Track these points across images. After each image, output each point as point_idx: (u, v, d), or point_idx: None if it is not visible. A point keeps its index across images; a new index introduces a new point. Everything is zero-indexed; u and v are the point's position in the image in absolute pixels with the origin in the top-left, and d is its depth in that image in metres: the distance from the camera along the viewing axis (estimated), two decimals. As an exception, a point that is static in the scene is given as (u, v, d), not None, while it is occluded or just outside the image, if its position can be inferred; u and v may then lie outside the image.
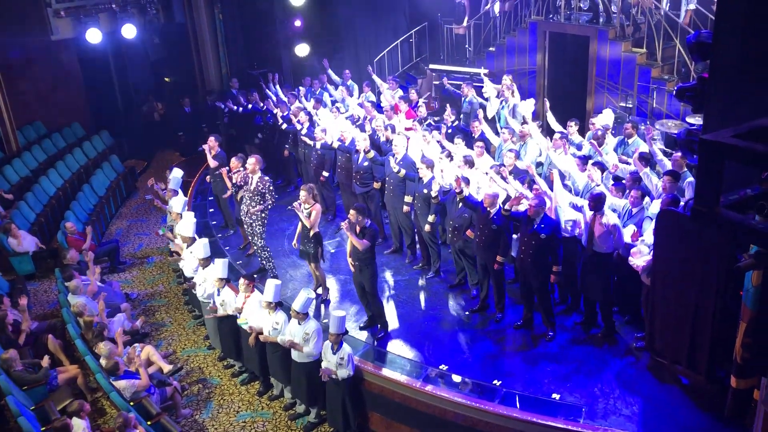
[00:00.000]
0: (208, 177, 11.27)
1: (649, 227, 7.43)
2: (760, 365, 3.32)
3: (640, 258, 7.22)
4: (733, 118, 4.23)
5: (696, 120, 9.76)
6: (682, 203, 7.03)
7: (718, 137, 3.05)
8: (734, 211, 3.20)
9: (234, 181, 9.64)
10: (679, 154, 8.27)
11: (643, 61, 11.98)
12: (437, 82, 14.63)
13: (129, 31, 14.04)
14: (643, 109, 11.87)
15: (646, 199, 8.00)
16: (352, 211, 7.96)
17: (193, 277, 9.27)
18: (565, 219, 7.88)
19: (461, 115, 12.18)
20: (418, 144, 9.89)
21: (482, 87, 12.34)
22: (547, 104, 10.37)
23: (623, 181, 8.37)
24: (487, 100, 11.97)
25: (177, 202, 10.32)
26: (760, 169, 3.28)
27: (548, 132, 9.98)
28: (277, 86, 13.56)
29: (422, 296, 9.20)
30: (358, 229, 7.88)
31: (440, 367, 7.71)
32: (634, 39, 12.22)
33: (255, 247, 9.75)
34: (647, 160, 8.44)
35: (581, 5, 12.85)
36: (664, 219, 6.86)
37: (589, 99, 12.68)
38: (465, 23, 14.81)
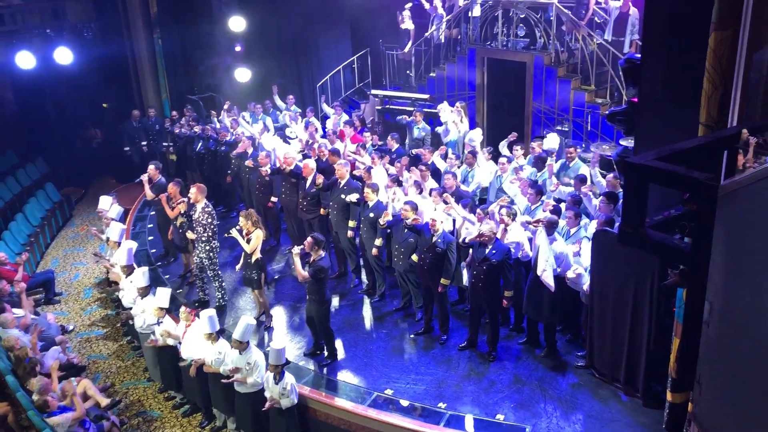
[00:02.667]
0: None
1: (587, 247, 7.61)
2: (691, 379, 3.41)
3: (581, 281, 7.39)
4: (661, 140, 4.39)
5: (629, 142, 10.08)
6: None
7: (642, 160, 3.17)
8: (659, 231, 3.32)
9: (182, 211, 9.54)
10: (611, 175, 8.56)
11: (578, 86, 12.37)
12: (380, 107, 14.77)
13: (63, 56, 13.68)
14: (579, 132, 12.22)
15: (585, 219, 8.21)
16: (309, 239, 7.90)
17: (131, 307, 9.02)
18: (508, 241, 8.00)
19: (409, 141, 12.35)
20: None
21: (432, 112, 12.59)
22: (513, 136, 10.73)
23: (562, 203, 8.58)
24: (434, 123, 12.16)
25: (114, 230, 10.04)
26: (681, 191, 3.43)
27: (497, 158, 10.27)
28: (224, 113, 13.42)
29: (367, 320, 9.17)
30: (312, 259, 7.80)
31: (386, 391, 7.69)
32: (569, 65, 12.62)
33: (194, 278, 9.66)
34: (585, 181, 8.70)
35: (518, 32, 13.22)
36: (599, 239, 7.05)
37: (527, 123, 12.99)
38: (407, 49, 15.04)
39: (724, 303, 2.78)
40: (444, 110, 12.14)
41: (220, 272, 9.57)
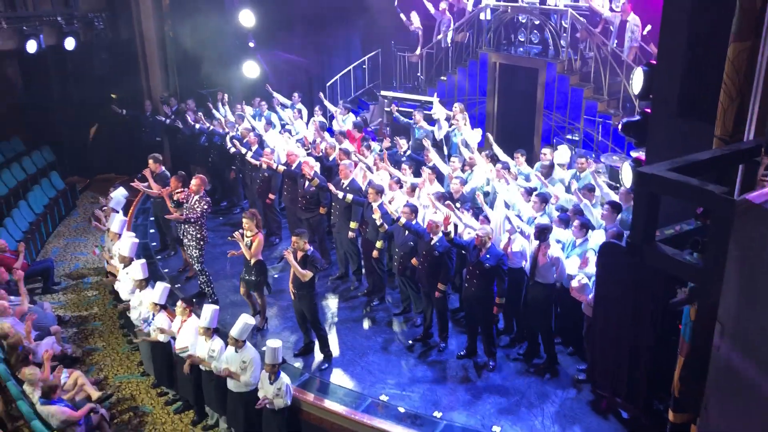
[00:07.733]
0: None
1: (592, 259, 7.45)
2: (695, 400, 3.28)
3: (585, 292, 7.22)
4: (673, 154, 4.25)
5: (640, 154, 9.90)
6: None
7: (654, 170, 3.03)
8: (670, 246, 3.17)
9: (176, 198, 9.39)
10: (624, 188, 8.38)
11: (590, 94, 12.20)
12: (388, 109, 14.63)
13: (71, 45, 13.68)
14: (589, 142, 12.06)
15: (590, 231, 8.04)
16: (294, 237, 7.81)
17: (128, 300, 8.91)
18: (513, 250, 7.84)
19: (412, 143, 12.15)
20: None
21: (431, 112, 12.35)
22: (491, 137, 10.51)
23: (567, 213, 8.41)
24: (434, 123, 11.88)
25: (115, 222, 9.95)
26: (695, 204, 3.28)
27: (496, 162, 10.04)
28: (226, 107, 13.32)
29: (366, 324, 9.03)
30: (299, 255, 7.70)
31: (381, 397, 7.54)
32: (581, 73, 12.46)
33: (195, 270, 9.53)
34: (593, 191, 8.55)
35: (531, 38, 13.07)
36: (606, 252, 6.85)
37: (537, 131, 12.84)
38: (418, 51, 14.91)
39: (737, 327, 2.62)
40: (435, 105, 11.88)
41: (206, 268, 9.47)
